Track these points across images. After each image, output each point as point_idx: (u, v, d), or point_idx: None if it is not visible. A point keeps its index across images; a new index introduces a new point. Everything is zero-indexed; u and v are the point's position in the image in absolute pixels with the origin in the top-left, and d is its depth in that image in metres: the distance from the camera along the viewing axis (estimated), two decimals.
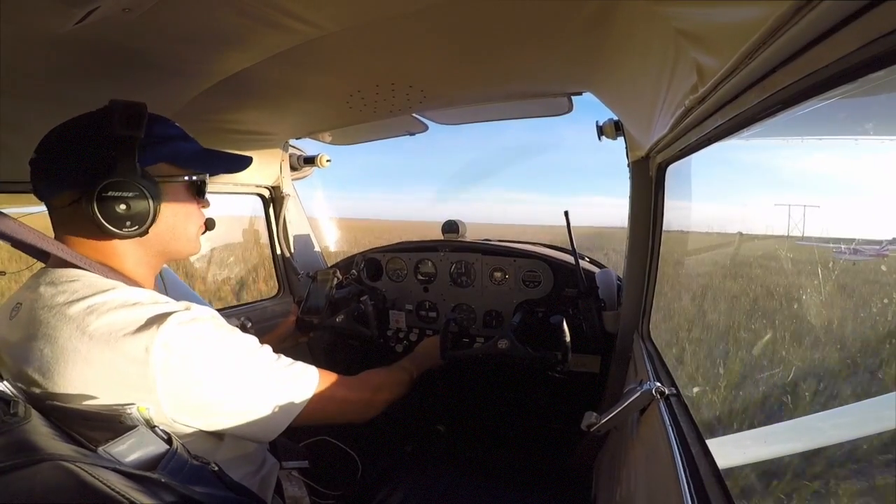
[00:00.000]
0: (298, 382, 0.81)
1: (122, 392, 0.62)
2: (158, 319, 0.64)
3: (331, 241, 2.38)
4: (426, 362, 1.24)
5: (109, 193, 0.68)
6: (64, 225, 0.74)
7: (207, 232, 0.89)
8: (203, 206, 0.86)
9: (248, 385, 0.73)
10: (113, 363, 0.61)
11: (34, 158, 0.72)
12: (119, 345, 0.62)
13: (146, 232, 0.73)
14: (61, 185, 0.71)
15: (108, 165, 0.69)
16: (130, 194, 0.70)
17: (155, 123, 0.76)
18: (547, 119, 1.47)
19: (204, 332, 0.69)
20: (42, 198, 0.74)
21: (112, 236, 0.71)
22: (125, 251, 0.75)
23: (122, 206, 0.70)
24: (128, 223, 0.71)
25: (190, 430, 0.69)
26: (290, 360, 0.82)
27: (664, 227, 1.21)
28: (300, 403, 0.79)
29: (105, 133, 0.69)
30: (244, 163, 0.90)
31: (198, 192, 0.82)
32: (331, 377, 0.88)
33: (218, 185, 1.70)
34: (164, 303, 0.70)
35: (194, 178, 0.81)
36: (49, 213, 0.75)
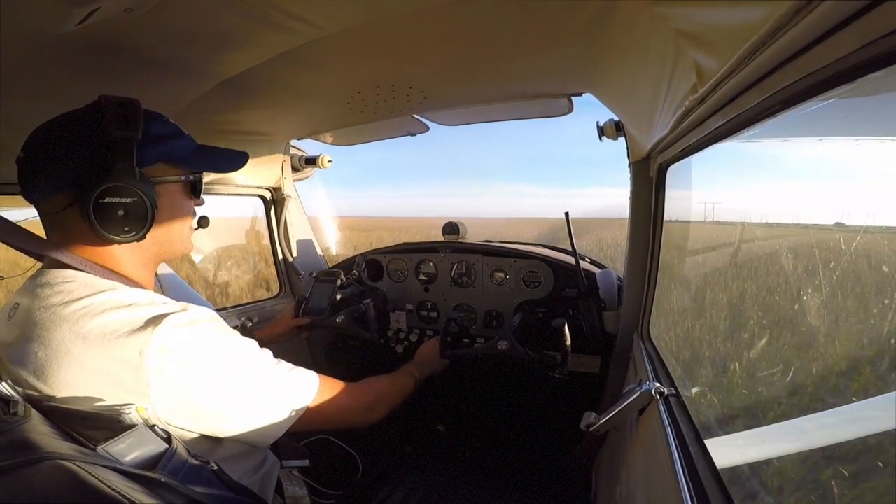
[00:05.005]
0: (298, 388, 0.80)
1: (116, 394, 0.61)
2: (154, 321, 0.63)
3: (332, 242, 2.38)
4: (427, 368, 1.24)
5: (107, 199, 0.66)
6: (56, 227, 0.72)
7: (201, 229, 0.89)
8: (197, 204, 0.85)
9: (246, 390, 0.72)
10: (106, 366, 0.61)
11: (21, 157, 0.68)
12: (113, 347, 0.61)
13: (144, 237, 0.71)
14: (53, 188, 0.68)
15: (105, 168, 0.66)
16: (129, 200, 0.67)
17: (150, 121, 0.73)
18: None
19: (201, 334, 0.68)
20: (31, 199, 0.71)
21: (109, 242, 0.69)
22: (121, 254, 0.74)
23: (121, 212, 0.67)
24: (126, 229, 0.69)
25: (187, 431, 0.68)
26: (290, 364, 0.82)
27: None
28: (299, 409, 0.78)
29: (100, 133, 0.66)
30: (241, 159, 0.89)
31: (193, 191, 0.81)
32: (332, 384, 0.87)
33: (218, 186, 1.70)
34: (160, 304, 0.68)
35: (191, 177, 0.79)
36: (39, 216, 0.72)
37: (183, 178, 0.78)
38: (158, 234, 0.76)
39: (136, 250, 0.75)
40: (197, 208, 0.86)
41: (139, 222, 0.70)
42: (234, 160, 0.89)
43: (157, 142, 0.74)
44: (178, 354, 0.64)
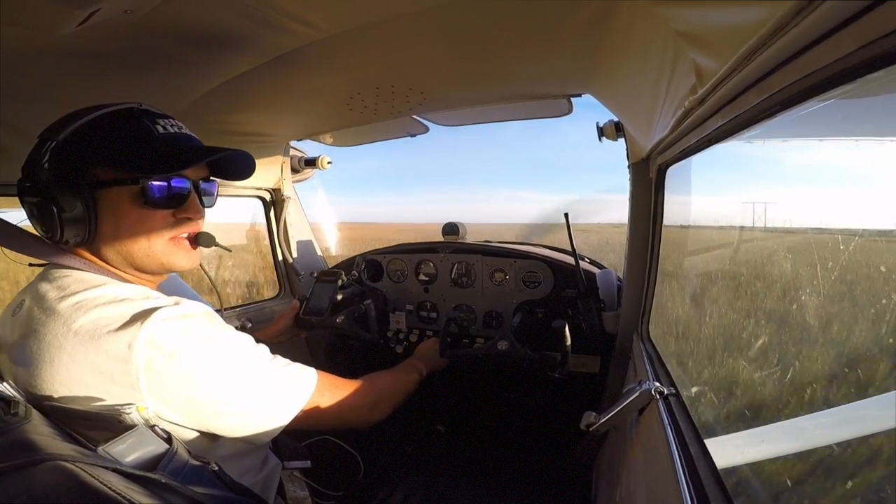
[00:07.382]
0: (295, 384, 0.78)
1: (108, 389, 0.61)
2: (143, 315, 0.63)
3: (332, 243, 2.38)
4: (428, 365, 1.23)
5: (24, 197, 0.69)
6: None
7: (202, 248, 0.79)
8: (183, 216, 0.75)
9: (239, 385, 0.70)
10: (97, 361, 0.60)
11: None
12: (103, 342, 0.61)
13: (61, 240, 0.68)
14: None
15: (28, 168, 0.68)
16: (34, 199, 0.68)
17: (97, 124, 0.68)
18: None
19: (192, 328, 0.67)
20: None
21: (49, 240, 0.70)
22: (106, 257, 0.73)
23: (33, 211, 0.69)
24: (42, 229, 0.69)
25: (185, 429, 0.68)
26: (286, 360, 0.79)
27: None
28: (295, 406, 0.76)
29: (44, 133, 0.69)
30: (194, 155, 0.73)
31: (148, 200, 0.70)
32: (331, 380, 0.85)
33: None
34: (154, 298, 0.68)
35: (141, 182, 0.69)
36: None
37: (126, 183, 0.69)
38: (108, 246, 0.71)
39: (104, 260, 0.73)
40: (202, 222, 0.79)
41: (46, 221, 0.68)
42: (186, 157, 0.72)
43: (98, 142, 0.68)
44: (169, 348, 0.63)
